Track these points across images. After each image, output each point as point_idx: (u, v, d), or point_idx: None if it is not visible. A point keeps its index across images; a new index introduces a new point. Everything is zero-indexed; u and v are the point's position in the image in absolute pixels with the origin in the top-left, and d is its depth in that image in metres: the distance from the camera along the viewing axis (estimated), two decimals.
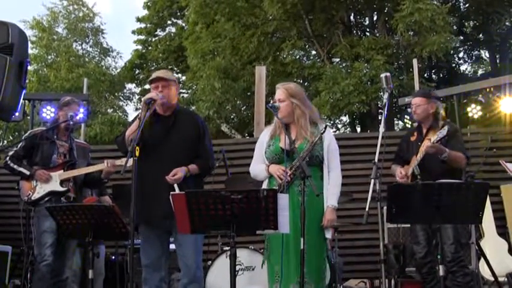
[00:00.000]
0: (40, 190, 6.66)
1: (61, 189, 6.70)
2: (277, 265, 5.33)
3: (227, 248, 7.02)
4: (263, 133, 5.85)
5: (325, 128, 5.44)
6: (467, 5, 24.35)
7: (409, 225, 7.39)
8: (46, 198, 6.65)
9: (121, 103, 31.44)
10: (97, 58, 30.17)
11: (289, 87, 5.64)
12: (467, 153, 6.37)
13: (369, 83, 19.68)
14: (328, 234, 5.40)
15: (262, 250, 7.12)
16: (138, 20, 30.96)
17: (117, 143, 5.84)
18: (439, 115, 6.53)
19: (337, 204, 5.41)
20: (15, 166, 6.73)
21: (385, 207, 5.07)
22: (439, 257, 5.01)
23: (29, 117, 10.91)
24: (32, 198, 6.67)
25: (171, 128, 5.70)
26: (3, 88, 6.52)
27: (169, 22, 30.97)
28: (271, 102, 5.73)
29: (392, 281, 7.66)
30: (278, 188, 5.37)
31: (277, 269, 5.33)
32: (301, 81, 22.45)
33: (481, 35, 25.24)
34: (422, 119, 6.47)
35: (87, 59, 29.09)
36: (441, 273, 4.93)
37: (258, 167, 5.66)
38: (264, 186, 5.61)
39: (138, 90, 31.69)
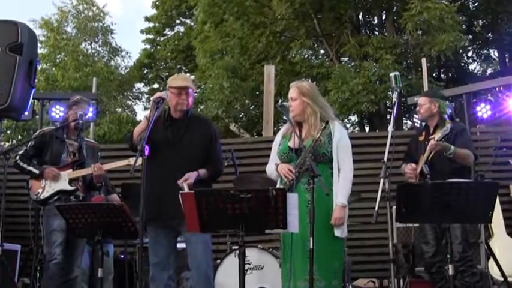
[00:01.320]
0: (49, 189, 6.68)
1: (70, 188, 6.72)
2: (288, 263, 5.37)
3: (236, 247, 7.01)
4: (278, 133, 5.91)
5: (327, 123, 5.45)
6: (476, 4, 24.27)
7: (418, 225, 7.39)
8: (55, 197, 6.67)
9: (130, 102, 31.46)
10: (106, 58, 30.18)
11: (301, 85, 5.67)
12: (475, 152, 6.36)
13: (377, 82, 19.62)
14: (339, 232, 5.38)
15: (271, 249, 7.15)
16: (147, 19, 31.00)
17: (126, 140, 5.91)
18: (444, 114, 6.52)
19: (346, 202, 5.41)
20: (24, 165, 6.75)
21: (394, 207, 5.06)
22: (448, 256, 5.00)
23: (38, 117, 10.92)
24: (41, 197, 6.69)
25: (184, 131, 5.76)
26: (13, 87, 6.55)
27: (177, 21, 30.98)
28: (280, 101, 5.75)
29: (402, 281, 7.65)
30: (285, 187, 5.39)
31: (288, 267, 5.36)
32: (309, 81, 22.40)
33: (490, 34, 25.12)
34: (427, 118, 6.48)
35: (96, 59, 29.09)
36: (450, 272, 4.92)
37: (271, 167, 5.71)
38: (278, 185, 5.63)
39: (146, 89, 31.73)
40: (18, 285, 7.90)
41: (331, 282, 5.35)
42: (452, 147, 6.00)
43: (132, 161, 6.24)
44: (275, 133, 5.96)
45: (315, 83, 20.94)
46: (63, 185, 6.70)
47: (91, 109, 9.07)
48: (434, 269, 6.30)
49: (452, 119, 6.56)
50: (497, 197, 4.94)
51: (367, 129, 24.91)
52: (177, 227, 5.56)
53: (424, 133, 6.58)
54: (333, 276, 5.38)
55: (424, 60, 12.15)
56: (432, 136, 6.12)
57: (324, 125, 5.43)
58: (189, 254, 5.62)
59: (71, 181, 6.73)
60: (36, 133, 7.20)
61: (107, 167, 6.81)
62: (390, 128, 6.01)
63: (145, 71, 31.21)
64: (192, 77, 25.91)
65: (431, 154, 6.05)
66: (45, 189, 6.69)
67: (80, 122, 6.93)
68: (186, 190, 5.02)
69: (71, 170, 6.76)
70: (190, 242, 5.58)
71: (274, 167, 5.63)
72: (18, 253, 8.33)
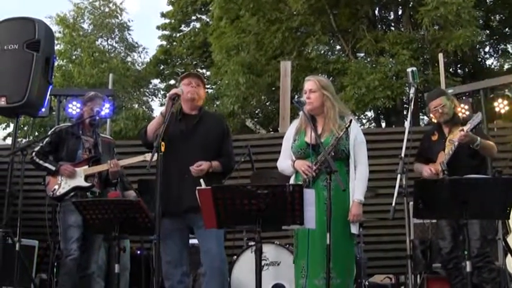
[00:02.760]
0: (65, 185, 6.70)
1: (86, 184, 6.73)
2: (303, 260, 5.35)
3: (252, 243, 7.01)
4: (289, 128, 5.88)
5: (351, 121, 5.42)
6: None
7: (434, 221, 7.36)
8: (71, 194, 6.68)
9: (146, 98, 31.52)
10: (122, 54, 30.24)
11: (320, 79, 5.71)
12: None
13: (394, 78, 19.56)
14: (354, 229, 5.38)
15: (287, 245, 7.15)
16: (163, 15, 31.03)
17: (140, 135, 5.91)
18: (456, 109, 6.54)
19: (363, 199, 5.40)
20: (40, 162, 6.77)
21: (411, 203, 5.05)
22: (465, 252, 4.98)
23: (54, 113, 10.96)
24: (57, 193, 6.71)
25: (196, 126, 5.78)
26: (30, 84, 6.60)
27: (193, 18, 30.99)
28: (297, 97, 5.74)
29: (419, 277, 7.62)
30: (303, 183, 5.38)
31: (303, 264, 5.35)
32: (326, 76, 22.36)
33: (507, 29, 25.00)
34: (449, 116, 6.42)
35: (112, 55, 29.16)
36: (468, 269, 4.90)
37: (285, 163, 5.70)
38: (291, 181, 5.62)
39: (163, 85, 31.77)
40: (35, 280, 7.92)
41: (346, 280, 5.36)
42: (479, 138, 5.98)
43: (148, 157, 6.26)
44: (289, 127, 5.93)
45: (331, 78, 20.95)
46: (79, 181, 6.72)
47: (107, 105, 9.10)
48: (451, 265, 6.27)
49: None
50: None
51: (383, 125, 24.83)
52: (189, 222, 5.58)
53: (436, 133, 6.54)
54: (348, 274, 5.39)
55: (440, 56, 12.09)
56: (460, 129, 6.08)
57: (349, 124, 5.40)
58: (202, 250, 5.63)
59: (86, 177, 6.75)
60: (52, 130, 7.23)
61: (122, 163, 6.83)
62: (407, 123, 6.00)
63: (162, 67, 31.24)
64: (208, 73, 25.98)
65: (456, 148, 6.03)
66: (61, 185, 6.71)
67: (96, 118, 6.95)
68: (203, 186, 5.02)
69: (86, 166, 6.77)
70: (202, 238, 5.59)
71: (290, 164, 5.61)
72: (35, 249, 8.36)
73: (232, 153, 6.03)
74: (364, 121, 26.49)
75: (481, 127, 6.42)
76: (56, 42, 9.90)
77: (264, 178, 7.84)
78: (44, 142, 6.87)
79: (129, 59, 30.50)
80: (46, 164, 6.75)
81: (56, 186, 6.71)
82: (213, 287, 5.51)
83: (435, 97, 6.49)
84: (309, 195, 4.37)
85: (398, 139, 7.13)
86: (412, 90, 6.08)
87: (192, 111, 5.86)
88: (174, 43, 30.63)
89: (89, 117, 6.91)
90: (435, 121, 6.82)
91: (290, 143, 5.71)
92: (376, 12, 25.10)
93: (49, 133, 7.19)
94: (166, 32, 31.17)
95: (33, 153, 6.80)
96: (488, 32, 24.20)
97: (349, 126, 5.39)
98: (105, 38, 29.84)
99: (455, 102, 6.51)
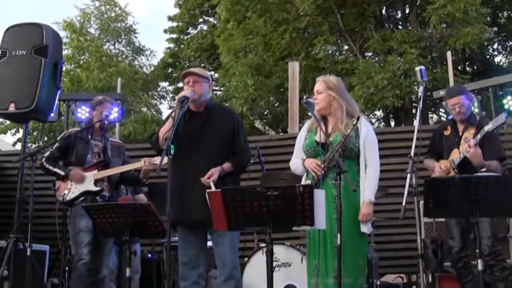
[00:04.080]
0: (75, 190, 6.72)
1: (95, 189, 6.74)
2: (315, 260, 5.36)
3: (263, 245, 7.01)
4: (302, 128, 5.90)
5: (358, 118, 5.43)
6: None
7: (443, 220, 7.35)
8: (81, 198, 6.70)
9: (155, 101, 31.57)
10: (130, 57, 30.32)
11: (328, 79, 5.69)
12: (503, 154, 6.33)
13: (402, 76, 19.52)
14: (365, 229, 5.37)
15: (298, 246, 7.14)
16: (170, 18, 31.05)
17: (151, 142, 5.89)
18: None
19: (373, 198, 5.39)
20: (50, 167, 6.79)
21: (421, 202, 5.04)
22: (477, 251, 4.96)
23: (63, 118, 10.99)
24: (67, 198, 6.73)
25: (205, 124, 5.73)
26: (39, 89, 6.61)
27: (200, 20, 30.97)
28: (305, 97, 5.75)
29: (430, 276, 7.61)
30: (313, 181, 5.39)
31: (315, 264, 5.36)
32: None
33: None
34: (467, 115, 6.40)
35: (120, 59, 29.23)
36: (480, 267, 4.88)
37: (296, 162, 5.71)
38: (303, 181, 5.63)
39: (171, 88, 31.82)
40: (47, 285, 7.95)
41: (357, 279, 5.35)
42: (486, 163, 5.97)
43: (147, 160, 6.50)
44: (300, 129, 5.93)
45: (339, 78, 20.88)
46: (89, 185, 6.73)
47: (116, 109, 9.12)
48: (461, 264, 6.26)
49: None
50: None
51: (392, 124, 24.77)
52: (205, 225, 5.54)
53: (449, 127, 6.53)
54: (359, 273, 5.38)
55: (449, 54, 12.09)
56: (468, 137, 6.10)
57: (356, 121, 5.41)
58: (216, 253, 5.63)
59: (96, 182, 6.76)
60: (61, 135, 7.25)
61: (122, 169, 6.86)
62: (416, 122, 5.98)
63: (170, 70, 31.26)
64: (216, 75, 25.99)
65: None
66: (71, 190, 6.73)
67: (105, 122, 6.97)
68: (213, 189, 5.02)
69: (96, 171, 6.79)
70: (216, 241, 5.60)
71: (300, 162, 5.63)
72: (46, 254, 8.39)
73: (245, 148, 5.93)
74: (373, 120, 26.45)
75: (496, 137, 6.38)
76: (63, 47, 9.92)
77: (274, 179, 7.83)
78: (54, 147, 6.89)
79: (136, 62, 30.60)
80: (56, 169, 6.77)
81: (66, 191, 6.73)
82: None
83: (454, 95, 6.46)
84: (319, 195, 4.37)
85: (408, 138, 7.13)
86: (421, 89, 6.07)
87: (198, 109, 5.80)
88: (182, 46, 30.63)
89: (98, 121, 6.92)
90: (450, 117, 6.81)
91: (302, 143, 5.73)
92: (384, 11, 25.06)
93: (58, 138, 7.21)
94: (174, 35, 31.19)
95: (43, 159, 6.82)
96: (496, 29, 24.15)
97: (356, 123, 5.40)
98: (112, 42, 29.95)
99: (474, 102, 6.48)
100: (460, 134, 6.34)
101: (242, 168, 5.96)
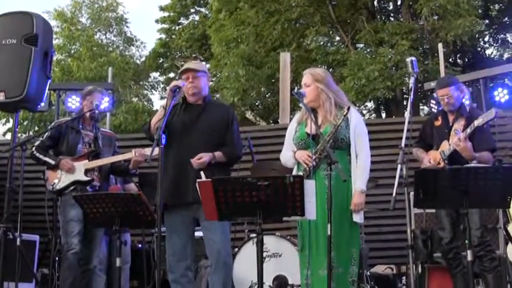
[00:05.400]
0: (65, 179, 6.71)
1: (85, 178, 6.73)
2: (307, 250, 5.39)
3: (254, 235, 7.02)
4: (292, 120, 5.92)
5: (348, 109, 5.46)
6: None
7: (432, 211, 7.37)
8: (71, 188, 6.69)
9: (145, 92, 31.52)
10: (121, 47, 30.24)
11: (315, 72, 5.70)
12: (494, 145, 6.34)
13: (393, 68, 19.56)
14: (357, 218, 5.40)
15: (289, 237, 7.15)
16: (162, 9, 30.95)
17: (144, 131, 5.90)
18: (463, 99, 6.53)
19: (365, 188, 5.43)
20: (40, 156, 6.77)
21: (412, 193, 5.05)
22: (466, 242, 4.98)
23: (54, 108, 10.96)
24: (57, 187, 6.72)
25: (200, 116, 5.72)
26: (29, 78, 6.58)
27: (192, 10, 30.90)
28: (296, 88, 5.75)
29: (420, 267, 7.63)
30: (304, 173, 5.40)
31: (307, 254, 5.38)
32: (325, 68, 22.33)
33: (506, 18, 24.96)
34: (456, 106, 6.40)
35: (110, 49, 29.16)
36: (469, 258, 4.89)
37: (286, 154, 5.73)
38: (294, 172, 5.64)
39: (162, 78, 31.75)
40: (37, 275, 7.93)
41: (349, 269, 5.38)
42: (477, 156, 5.98)
43: (137, 151, 6.53)
44: (291, 120, 5.95)
45: (330, 70, 20.97)
46: (79, 175, 6.72)
47: (107, 99, 9.10)
48: (451, 254, 6.28)
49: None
50: None
51: (383, 115, 24.84)
52: (195, 214, 5.55)
53: (440, 118, 6.54)
54: (351, 263, 5.40)
55: (440, 46, 12.10)
56: (458, 128, 6.12)
57: (346, 111, 5.43)
58: (207, 242, 5.61)
59: (86, 172, 6.75)
60: (52, 124, 7.23)
61: (113, 159, 6.86)
62: (407, 113, 5.99)
63: (161, 60, 31.19)
64: (208, 65, 25.93)
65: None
66: (61, 179, 6.72)
67: (96, 112, 6.96)
68: (203, 178, 5.02)
69: (86, 161, 6.78)
70: (208, 229, 5.57)
71: (291, 154, 5.65)
72: (36, 243, 8.36)
73: (237, 142, 5.93)
74: (364, 112, 26.48)
75: (487, 129, 6.38)
76: (54, 36, 9.88)
77: (265, 170, 7.84)
78: (44, 136, 6.87)
79: (127, 52, 30.50)
80: (46, 159, 6.75)
81: (56, 181, 6.72)
82: (218, 280, 5.51)
83: (443, 86, 6.46)
84: (310, 186, 4.37)
85: (399, 129, 7.13)
86: (412, 80, 6.06)
87: (196, 102, 5.81)
88: (173, 36, 30.56)
89: (88, 111, 6.91)
90: (440, 108, 6.82)
91: (292, 135, 5.74)
92: (375, 2, 25.07)
93: (49, 127, 7.20)
94: (166, 26, 31.10)
95: (33, 148, 6.80)
96: (487, 21, 24.15)
97: (347, 113, 5.42)
98: (103, 32, 29.85)
99: (464, 93, 6.48)
100: (450, 125, 6.35)
101: (233, 160, 5.94)
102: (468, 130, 5.95)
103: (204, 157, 5.48)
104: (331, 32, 24.40)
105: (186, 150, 5.55)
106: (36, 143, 6.85)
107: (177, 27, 30.81)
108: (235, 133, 5.88)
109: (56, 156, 6.78)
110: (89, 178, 6.75)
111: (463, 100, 6.52)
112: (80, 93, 7.58)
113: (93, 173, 6.82)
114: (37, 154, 6.77)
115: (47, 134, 6.90)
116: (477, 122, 5.88)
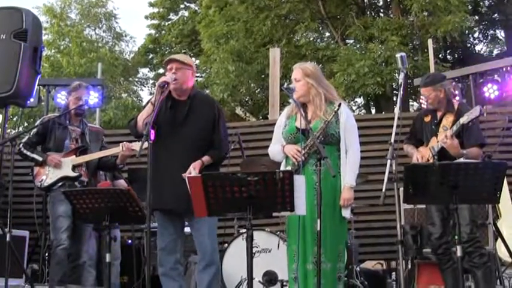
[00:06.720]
0: (53, 176, 6.71)
1: (73, 174, 6.74)
2: (295, 245, 5.39)
3: (243, 231, 7.01)
4: (281, 114, 5.91)
5: (339, 105, 5.47)
6: None
7: (422, 206, 7.38)
8: (59, 184, 6.71)
9: (135, 88, 31.47)
10: (110, 43, 30.17)
11: (305, 67, 5.69)
12: (483, 140, 6.34)
13: (383, 64, 19.58)
14: (346, 213, 5.41)
15: (278, 232, 7.15)
16: (151, 4, 30.86)
17: (130, 127, 5.85)
18: (450, 95, 6.52)
19: (354, 183, 5.44)
20: (28, 153, 6.77)
21: (401, 188, 5.05)
22: (456, 237, 4.99)
23: (43, 103, 10.92)
24: (45, 184, 6.73)
25: (187, 113, 5.67)
26: (18, 74, 6.55)
27: (182, 6, 30.83)
28: (286, 84, 5.74)
29: (409, 262, 7.64)
30: (293, 167, 5.41)
31: (295, 249, 5.39)
32: (315, 63, 22.29)
33: (496, 15, 25.04)
34: (437, 105, 6.42)
35: (100, 44, 29.07)
36: (459, 253, 4.90)
37: (275, 148, 5.72)
38: (282, 167, 5.64)
39: (152, 74, 31.71)
40: (27, 271, 7.92)
41: (337, 264, 5.39)
42: (465, 152, 5.99)
43: (125, 145, 6.50)
44: (280, 115, 5.94)
45: (320, 65, 20.88)
46: (67, 171, 6.73)
47: (96, 95, 9.11)
48: (441, 250, 6.29)
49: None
50: (505, 177, 4.91)
51: (373, 111, 24.85)
52: (184, 211, 5.53)
53: (429, 114, 6.55)
54: (338, 259, 5.43)
55: (430, 42, 12.12)
56: (446, 125, 6.13)
57: (338, 107, 5.43)
58: (195, 238, 5.64)
59: (74, 167, 6.75)
60: (39, 120, 7.22)
61: (101, 154, 6.86)
62: (397, 109, 5.98)
63: (150, 56, 31.11)
64: (197, 61, 25.90)
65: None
66: (49, 176, 6.72)
67: (83, 107, 6.95)
68: (193, 174, 5.01)
69: (74, 156, 6.78)
70: (195, 226, 5.60)
71: (280, 148, 5.65)
72: (26, 239, 8.34)
73: (224, 139, 5.91)
74: (354, 108, 26.50)
75: (476, 124, 6.38)
76: (43, 32, 9.84)
77: (254, 165, 7.83)
78: (32, 133, 6.87)
79: (117, 48, 30.43)
80: (33, 155, 6.75)
81: (44, 177, 6.72)
82: (206, 276, 5.53)
83: (423, 85, 6.46)
84: (299, 181, 4.38)
85: (388, 125, 7.15)
86: (402, 76, 6.06)
87: (181, 97, 5.73)
88: (163, 32, 30.49)
89: (74, 107, 6.89)
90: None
91: (281, 129, 5.74)
92: None
93: (36, 124, 7.18)
94: (155, 21, 31.03)
95: (21, 144, 6.79)
96: (477, 17, 24.22)
97: (338, 109, 5.43)
98: (93, 28, 29.76)
99: (445, 90, 6.47)
100: (438, 121, 6.36)
101: (220, 161, 5.93)
102: (454, 128, 5.96)
103: (196, 168, 5.46)
104: (321, 28, 24.43)
105: (174, 149, 5.56)
106: (24, 140, 6.85)
107: (166, 23, 30.74)
108: (222, 131, 5.85)
109: (44, 152, 6.77)
110: (76, 174, 6.76)
111: (452, 97, 6.53)
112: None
113: (80, 168, 6.83)
114: (24, 150, 6.77)
115: (34, 130, 6.91)
116: (462, 120, 5.89)
